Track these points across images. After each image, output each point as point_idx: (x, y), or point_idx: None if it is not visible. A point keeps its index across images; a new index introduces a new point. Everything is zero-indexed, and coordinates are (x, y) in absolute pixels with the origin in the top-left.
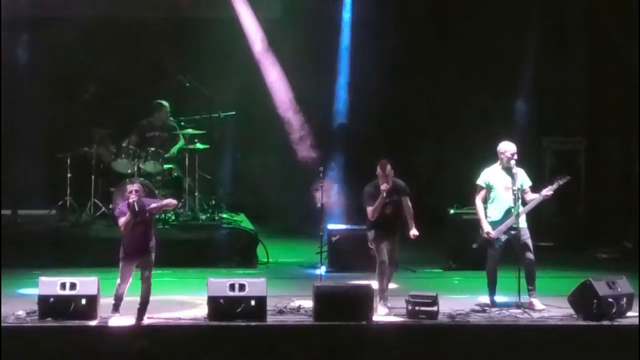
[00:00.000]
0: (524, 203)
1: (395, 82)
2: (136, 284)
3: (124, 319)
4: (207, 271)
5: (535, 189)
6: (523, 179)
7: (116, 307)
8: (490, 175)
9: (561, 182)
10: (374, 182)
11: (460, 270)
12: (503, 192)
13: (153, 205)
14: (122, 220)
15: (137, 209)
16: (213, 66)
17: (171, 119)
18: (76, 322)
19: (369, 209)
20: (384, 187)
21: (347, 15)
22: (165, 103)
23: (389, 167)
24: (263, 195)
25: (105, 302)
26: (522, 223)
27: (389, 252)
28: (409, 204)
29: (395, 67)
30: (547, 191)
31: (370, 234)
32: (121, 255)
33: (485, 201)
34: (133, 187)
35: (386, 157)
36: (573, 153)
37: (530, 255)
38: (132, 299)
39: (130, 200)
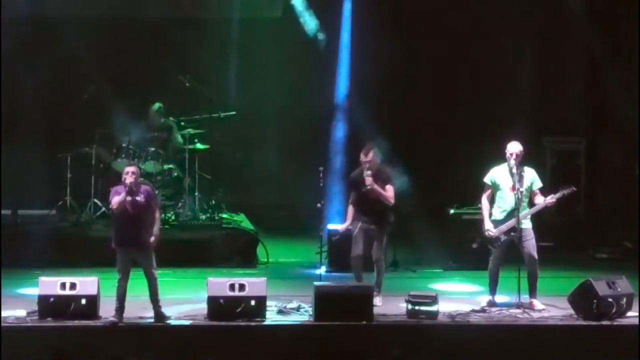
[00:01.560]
0: (532, 204)
1: (396, 82)
2: (134, 283)
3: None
4: (207, 271)
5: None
6: (533, 180)
7: (120, 312)
8: (497, 174)
9: (566, 193)
10: (359, 169)
11: (460, 270)
12: (508, 192)
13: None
14: (115, 199)
15: (134, 188)
16: (213, 66)
17: (171, 118)
18: (76, 322)
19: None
20: (368, 181)
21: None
22: (153, 106)
23: (371, 153)
24: (263, 195)
25: (105, 302)
26: (527, 224)
27: (376, 246)
28: (390, 192)
29: (396, 67)
30: (550, 199)
31: (354, 227)
32: (113, 245)
33: (492, 200)
34: (130, 168)
35: (381, 147)
36: (573, 153)
37: (533, 257)
38: (132, 298)
39: (127, 182)
